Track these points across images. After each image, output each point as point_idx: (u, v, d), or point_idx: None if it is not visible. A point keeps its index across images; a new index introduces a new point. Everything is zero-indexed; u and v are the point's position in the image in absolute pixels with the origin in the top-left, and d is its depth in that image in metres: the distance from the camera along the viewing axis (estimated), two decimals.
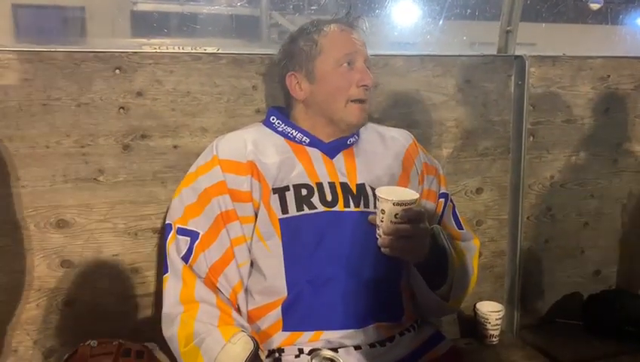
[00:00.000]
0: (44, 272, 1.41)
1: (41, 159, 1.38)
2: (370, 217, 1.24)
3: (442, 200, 1.46)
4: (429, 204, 1.44)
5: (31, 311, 1.41)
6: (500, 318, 1.76)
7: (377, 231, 1.20)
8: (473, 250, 1.47)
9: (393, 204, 1.16)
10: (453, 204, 1.51)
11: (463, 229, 1.47)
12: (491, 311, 1.76)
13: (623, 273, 2.02)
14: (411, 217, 1.17)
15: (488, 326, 1.76)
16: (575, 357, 1.71)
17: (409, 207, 1.16)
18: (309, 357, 0.97)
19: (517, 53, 1.82)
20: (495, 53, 1.86)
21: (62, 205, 1.41)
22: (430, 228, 1.27)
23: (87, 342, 1.28)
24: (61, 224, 1.41)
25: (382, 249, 1.20)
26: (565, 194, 1.91)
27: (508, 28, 1.82)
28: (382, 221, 1.18)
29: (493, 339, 1.77)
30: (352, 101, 1.30)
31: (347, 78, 1.29)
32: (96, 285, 1.46)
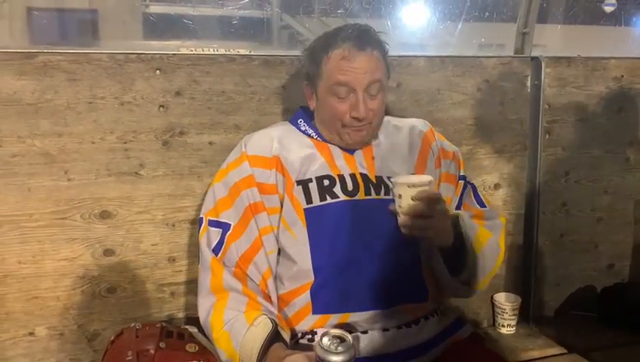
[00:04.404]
0: (88, 260, 1.50)
1: (87, 154, 1.47)
2: (390, 206, 1.28)
3: (461, 182, 1.52)
4: (448, 186, 1.50)
5: (76, 296, 1.50)
6: (516, 308, 1.83)
7: (398, 217, 1.25)
8: (499, 228, 1.49)
9: (408, 186, 1.22)
10: (474, 186, 1.55)
11: (485, 207, 1.51)
12: (508, 302, 1.84)
13: (636, 267, 2.07)
14: (427, 197, 1.22)
15: (505, 316, 1.83)
16: (588, 346, 1.76)
17: (424, 188, 1.23)
18: (319, 336, 1.04)
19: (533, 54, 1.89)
20: (512, 54, 1.93)
21: (105, 197, 1.50)
22: (453, 213, 1.34)
23: (132, 325, 1.37)
24: (104, 215, 1.50)
25: (402, 229, 1.25)
26: (580, 190, 1.97)
27: (524, 30, 1.90)
28: (400, 206, 1.24)
29: (510, 329, 1.85)
30: (345, 125, 1.34)
31: (339, 108, 1.33)
32: (135, 273, 1.54)
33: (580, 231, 2.00)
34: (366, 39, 1.33)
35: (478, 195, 1.54)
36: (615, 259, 2.06)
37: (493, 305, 1.86)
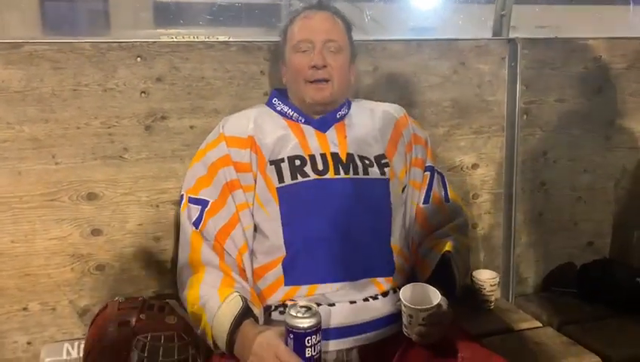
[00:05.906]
0: (77, 240, 1.58)
1: (73, 139, 1.55)
2: (397, 305, 1.29)
3: (428, 173, 1.58)
4: (417, 171, 1.57)
5: (66, 274, 1.59)
6: (494, 284, 1.88)
7: (405, 329, 1.24)
8: (465, 227, 1.60)
9: (420, 311, 1.20)
10: (443, 177, 1.62)
11: (449, 202, 1.59)
12: (487, 278, 1.88)
13: (615, 244, 2.11)
14: (437, 320, 1.22)
15: (484, 291, 1.88)
16: (565, 319, 1.82)
17: (433, 311, 1.21)
18: (288, 308, 1.15)
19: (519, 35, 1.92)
20: (495, 36, 1.97)
21: (91, 180, 1.57)
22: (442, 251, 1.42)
23: (116, 299, 1.45)
24: (91, 197, 1.58)
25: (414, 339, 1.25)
26: (559, 170, 2.01)
27: (502, 12, 1.93)
28: (410, 323, 1.23)
29: (489, 305, 1.90)
30: (308, 82, 1.44)
31: (301, 61, 1.44)
32: (122, 252, 1.62)
33: (560, 209, 2.04)
34: (328, 6, 1.49)
35: (446, 187, 1.61)
36: (595, 237, 2.10)
37: (472, 281, 1.90)
